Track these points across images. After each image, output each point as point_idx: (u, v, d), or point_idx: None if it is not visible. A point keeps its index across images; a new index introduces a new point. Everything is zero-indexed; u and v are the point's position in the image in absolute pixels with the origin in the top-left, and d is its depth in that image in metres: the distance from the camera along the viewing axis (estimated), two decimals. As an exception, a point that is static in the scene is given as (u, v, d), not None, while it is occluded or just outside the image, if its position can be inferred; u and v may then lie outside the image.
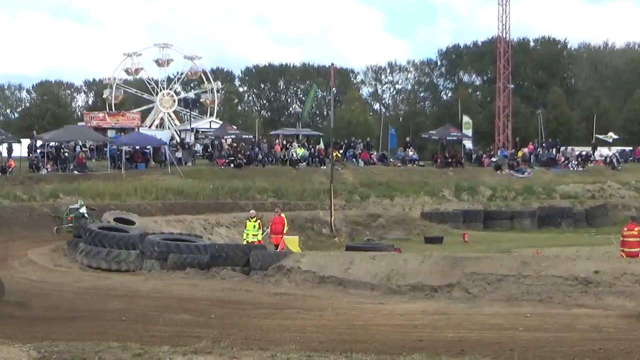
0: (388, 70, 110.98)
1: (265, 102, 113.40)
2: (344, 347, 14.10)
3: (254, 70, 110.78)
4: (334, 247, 35.09)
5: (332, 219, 40.67)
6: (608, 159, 61.22)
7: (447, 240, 38.55)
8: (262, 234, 30.58)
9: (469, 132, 67.42)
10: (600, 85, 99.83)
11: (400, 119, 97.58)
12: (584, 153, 61.84)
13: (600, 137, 67.81)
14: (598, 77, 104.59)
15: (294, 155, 54.89)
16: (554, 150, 62.20)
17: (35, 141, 53.05)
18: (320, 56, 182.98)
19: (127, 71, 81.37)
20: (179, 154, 53.75)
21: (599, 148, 65.41)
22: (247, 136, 61.21)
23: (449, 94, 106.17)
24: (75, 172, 48.13)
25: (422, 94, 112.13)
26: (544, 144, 64.14)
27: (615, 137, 68.98)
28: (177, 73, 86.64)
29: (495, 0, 72.32)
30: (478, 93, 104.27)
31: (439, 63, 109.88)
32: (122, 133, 65.78)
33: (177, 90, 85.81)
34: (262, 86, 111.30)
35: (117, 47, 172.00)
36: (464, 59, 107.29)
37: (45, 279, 25.75)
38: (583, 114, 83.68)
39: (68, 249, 31.28)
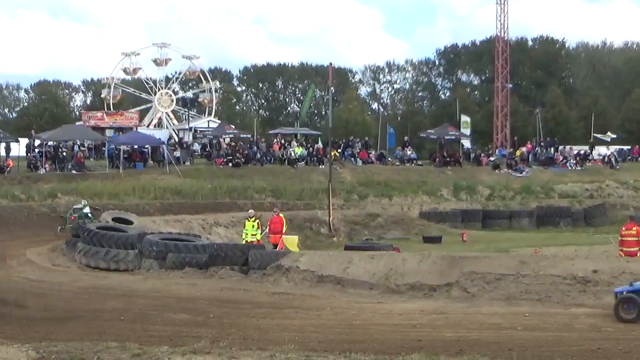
0: (386, 70, 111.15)
1: (263, 101, 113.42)
2: (342, 347, 14.11)
3: (252, 70, 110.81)
4: (333, 247, 35.06)
5: (331, 218, 40.65)
6: (606, 158, 61.23)
7: (446, 239, 38.54)
8: (261, 233, 30.56)
9: (467, 132, 67.42)
10: (598, 85, 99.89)
11: (399, 118, 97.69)
12: (582, 152, 61.83)
13: (599, 136, 67.84)
14: (596, 76, 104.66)
15: (292, 154, 54.87)
16: (552, 149, 62.18)
17: (34, 141, 52.99)
18: (319, 56, 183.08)
19: (125, 71, 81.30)
20: (177, 154, 53.72)
21: (597, 147, 65.40)
22: (245, 135, 61.18)
23: (447, 94, 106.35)
24: (74, 172, 48.08)
25: (420, 94, 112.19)
26: (542, 143, 64.14)
27: (613, 136, 69.01)
28: (176, 72, 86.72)
29: (494, -1, 72.41)
30: (476, 92, 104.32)
31: (437, 62, 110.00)
32: (120, 132, 65.74)
33: (176, 90, 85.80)
34: (261, 86, 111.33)
35: (116, 47, 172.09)
36: (462, 59, 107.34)
37: (44, 278, 25.74)
38: (581, 113, 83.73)
39: (66, 248, 31.26)
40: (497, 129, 72.66)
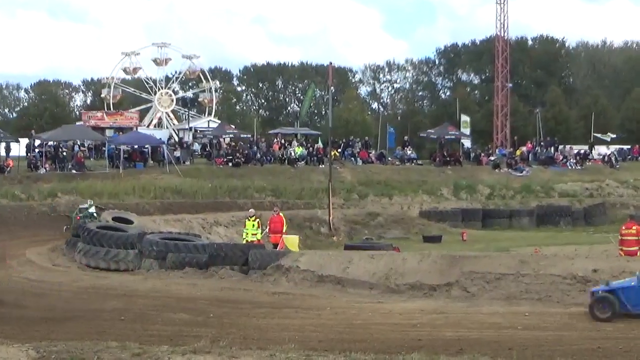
0: (386, 69, 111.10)
1: (263, 101, 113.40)
2: (342, 346, 14.11)
3: (252, 70, 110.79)
4: (333, 246, 35.08)
5: (331, 218, 40.65)
6: (606, 158, 61.24)
7: (446, 239, 38.56)
8: (261, 233, 30.56)
9: (467, 131, 67.41)
10: (598, 84, 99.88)
11: (399, 117, 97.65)
12: (582, 152, 61.84)
13: (599, 135, 67.85)
14: (596, 75, 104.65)
15: (292, 154, 54.86)
16: (552, 148, 62.18)
17: (34, 140, 52.97)
18: (319, 55, 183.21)
19: (125, 70, 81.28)
20: (177, 153, 53.71)
21: (597, 147, 65.41)
22: (245, 135, 61.15)
23: (447, 93, 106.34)
24: (74, 172, 48.06)
25: (420, 93, 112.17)
26: (542, 143, 64.13)
27: (613, 136, 69.03)
28: (176, 72, 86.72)
29: (494, -1, 72.38)
30: (476, 92, 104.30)
31: (437, 62, 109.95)
32: (121, 132, 65.75)
33: (175, 90, 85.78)
34: (261, 85, 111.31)
35: (116, 47, 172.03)
36: (462, 58, 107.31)
37: (44, 278, 25.74)
38: (581, 112, 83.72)
39: (66, 248, 31.27)
40: (497, 128, 72.67)
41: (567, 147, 63.44)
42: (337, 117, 75.98)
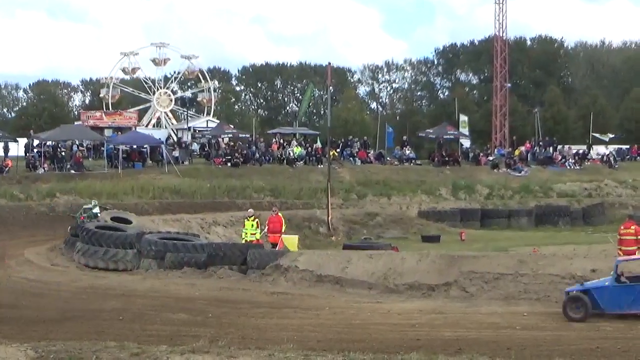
0: (385, 69, 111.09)
1: (262, 101, 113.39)
2: (341, 346, 14.12)
3: (251, 70, 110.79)
4: (331, 246, 35.06)
5: (329, 217, 40.63)
6: (605, 158, 61.26)
7: (445, 239, 38.55)
8: (260, 233, 30.56)
9: (466, 131, 67.39)
10: (597, 84, 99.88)
11: (397, 117, 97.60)
12: (580, 151, 61.86)
13: (597, 135, 67.86)
14: (595, 75, 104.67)
15: (291, 154, 54.85)
16: (551, 148, 62.17)
17: (32, 140, 52.93)
18: (318, 55, 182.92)
19: (124, 70, 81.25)
20: (176, 153, 53.69)
21: (595, 147, 65.42)
22: (244, 135, 61.10)
23: (446, 93, 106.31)
24: (72, 172, 48.05)
25: (419, 93, 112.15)
26: (540, 143, 64.11)
27: (611, 136, 69.05)
28: (174, 72, 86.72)
29: (492, -1, 72.39)
30: (475, 92, 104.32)
31: (436, 62, 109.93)
32: (119, 132, 65.75)
33: (174, 90, 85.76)
34: (259, 85, 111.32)
35: (114, 47, 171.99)
36: (460, 58, 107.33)
37: (42, 278, 25.74)
38: (580, 112, 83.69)
39: (65, 248, 31.27)
40: (495, 128, 72.68)
41: (566, 147, 63.42)
42: (336, 117, 75.96)
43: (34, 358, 12.10)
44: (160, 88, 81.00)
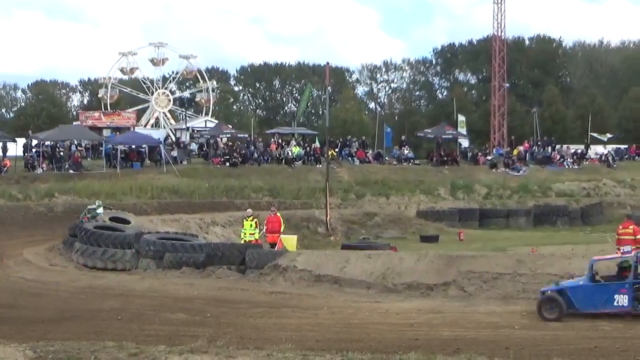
0: (383, 69, 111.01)
1: (260, 101, 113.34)
2: (339, 346, 14.13)
3: (249, 70, 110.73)
4: (330, 246, 35.07)
5: (328, 217, 40.63)
6: (603, 157, 61.29)
7: (443, 238, 38.55)
8: (259, 233, 30.56)
9: (464, 131, 67.40)
10: (595, 84, 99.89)
11: (396, 117, 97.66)
12: (579, 151, 61.88)
13: (595, 135, 67.88)
14: (593, 75, 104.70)
15: (290, 154, 54.85)
16: (550, 148, 62.18)
17: (31, 140, 52.89)
18: (316, 55, 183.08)
19: (122, 70, 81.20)
20: (174, 153, 53.66)
21: (594, 146, 65.43)
22: (242, 135, 61.06)
23: (445, 93, 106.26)
24: (71, 172, 48.03)
25: (417, 93, 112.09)
26: (539, 142, 64.11)
27: (610, 136, 69.07)
28: (173, 72, 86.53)
29: (491, -2, 72.37)
30: (473, 91, 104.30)
31: (434, 62, 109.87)
32: (118, 132, 65.71)
33: (173, 90, 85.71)
34: (258, 85, 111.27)
35: (113, 47, 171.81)
36: (459, 58, 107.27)
37: (41, 278, 25.74)
38: (578, 112, 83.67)
39: (64, 248, 31.26)
40: (494, 128, 72.66)
41: (564, 146, 63.44)
42: (334, 117, 75.92)
43: (33, 358, 12.10)
44: (159, 88, 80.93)
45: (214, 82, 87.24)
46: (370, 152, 60.04)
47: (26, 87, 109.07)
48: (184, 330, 16.75)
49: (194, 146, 59.82)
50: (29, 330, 16.58)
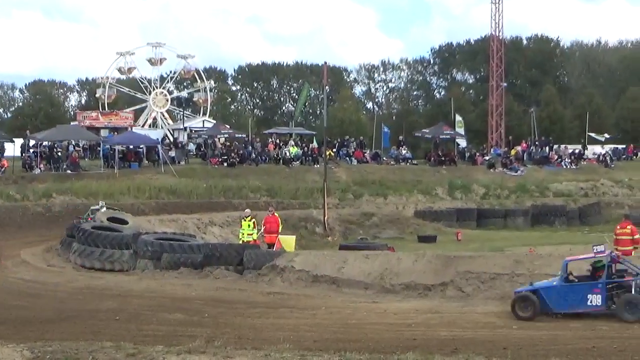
0: (381, 69, 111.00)
1: (258, 101, 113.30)
2: (337, 346, 14.13)
3: (247, 69, 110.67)
4: (328, 246, 35.08)
5: (326, 217, 40.64)
6: (601, 157, 61.33)
7: (441, 239, 38.56)
8: (257, 233, 30.55)
9: (462, 131, 67.42)
10: (593, 83, 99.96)
11: (394, 117, 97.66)
12: (576, 151, 61.93)
13: (593, 135, 67.93)
14: (591, 75, 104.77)
15: (287, 154, 54.84)
16: (547, 148, 62.23)
17: (28, 141, 52.85)
18: (314, 55, 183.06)
19: (120, 70, 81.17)
20: (172, 153, 53.63)
21: (591, 146, 65.49)
22: (240, 135, 61.04)
23: (442, 93, 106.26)
24: (69, 172, 48.00)
25: (415, 93, 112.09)
26: (537, 142, 64.16)
27: (607, 136, 69.11)
28: (170, 72, 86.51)
29: (488, -2, 72.40)
30: (471, 91, 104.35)
31: (432, 61, 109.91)
32: (115, 132, 65.66)
33: (170, 90, 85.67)
34: (255, 85, 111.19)
35: (110, 46, 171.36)
36: (457, 58, 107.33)
37: (39, 279, 25.72)
38: (576, 112, 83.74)
39: (61, 248, 31.23)
40: (492, 128, 72.72)
41: (562, 146, 63.48)
42: (332, 116, 75.93)
43: (30, 358, 12.10)
44: (156, 88, 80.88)
45: (212, 82, 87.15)
46: (368, 152, 60.05)
47: (24, 87, 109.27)
48: (181, 330, 16.75)
49: (191, 146, 59.79)
50: (26, 331, 16.57)
